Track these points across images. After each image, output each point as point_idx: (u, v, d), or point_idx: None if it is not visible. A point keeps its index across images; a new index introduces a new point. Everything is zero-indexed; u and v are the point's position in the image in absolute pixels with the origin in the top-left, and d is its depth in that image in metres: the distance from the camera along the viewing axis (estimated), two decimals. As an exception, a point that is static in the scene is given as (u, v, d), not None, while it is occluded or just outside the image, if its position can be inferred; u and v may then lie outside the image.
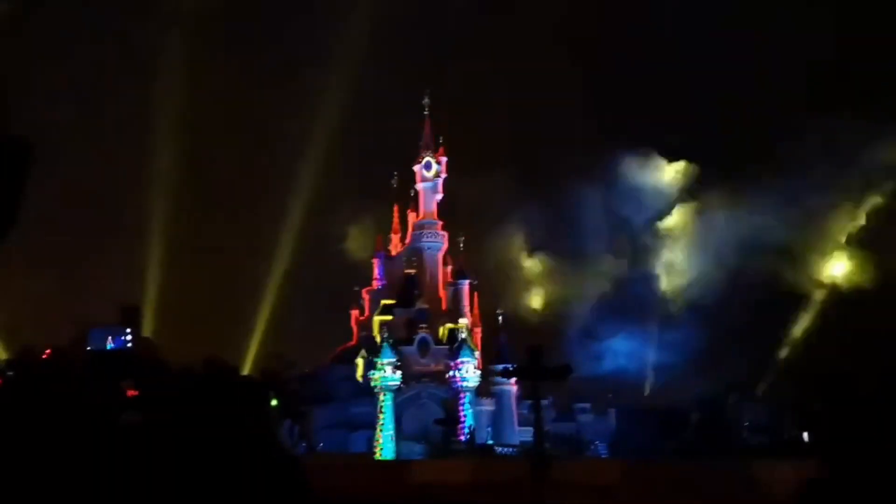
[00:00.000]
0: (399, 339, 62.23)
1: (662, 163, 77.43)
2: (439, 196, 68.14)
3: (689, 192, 76.12)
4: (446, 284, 67.48)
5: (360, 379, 64.61)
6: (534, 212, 74.38)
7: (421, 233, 66.45)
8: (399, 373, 59.41)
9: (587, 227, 76.02)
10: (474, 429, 57.87)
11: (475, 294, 68.92)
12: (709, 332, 69.08)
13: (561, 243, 75.92)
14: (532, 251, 75.43)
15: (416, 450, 52.60)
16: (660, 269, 76.02)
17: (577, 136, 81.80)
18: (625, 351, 70.83)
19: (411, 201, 69.74)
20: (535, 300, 73.43)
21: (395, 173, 72.69)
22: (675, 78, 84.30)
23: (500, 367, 53.97)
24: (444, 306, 66.23)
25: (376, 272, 70.91)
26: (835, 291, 68.48)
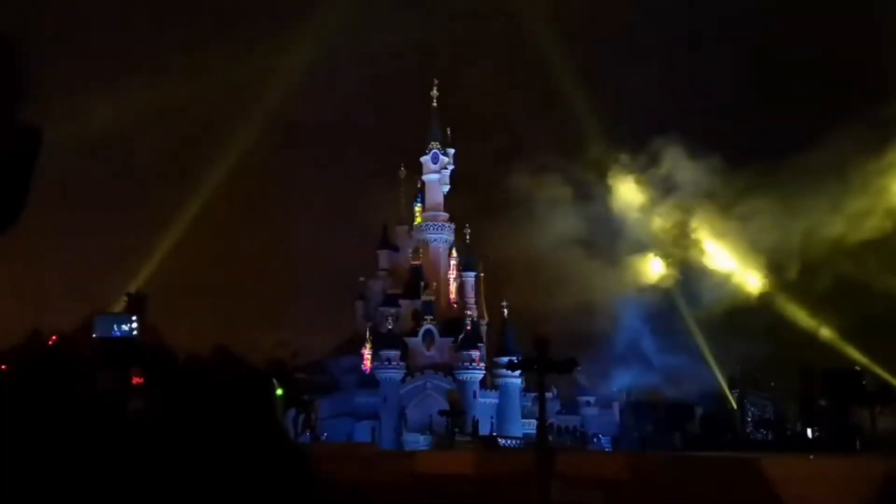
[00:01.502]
0: (404, 330, 62.36)
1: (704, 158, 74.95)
2: (446, 188, 68.08)
3: (728, 190, 73.84)
4: (452, 276, 67.50)
5: (365, 369, 64.84)
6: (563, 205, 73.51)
7: (427, 224, 66.39)
8: (404, 364, 59.61)
9: (619, 224, 75.16)
10: (478, 420, 58.03)
11: (482, 286, 69.03)
12: (720, 330, 68.69)
13: (593, 240, 74.73)
14: (557, 245, 74.24)
15: (420, 440, 52.72)
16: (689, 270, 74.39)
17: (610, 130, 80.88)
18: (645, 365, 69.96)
19: (418, 193, 69.68)
20: (561, 297, 72.37)
21: (403, 165, 72.85)
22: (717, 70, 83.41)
23: (505, 359, 53.92)
24: (450, 298, 66.24)
25: (382, 263, 70.97)
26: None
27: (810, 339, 66.69)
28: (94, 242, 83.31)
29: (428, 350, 61.20)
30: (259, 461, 2.77)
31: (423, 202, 68.11)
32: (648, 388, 68.82)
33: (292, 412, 38.49)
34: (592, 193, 74.87)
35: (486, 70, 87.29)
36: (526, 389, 62.09)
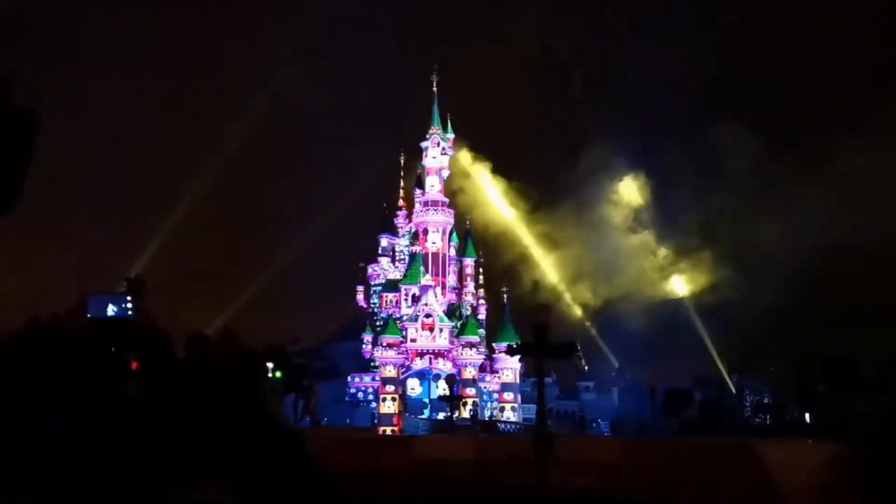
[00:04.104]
0: (404, 315, 62.45)
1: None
2: (446, 173, 67.90)
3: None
4: (452, 261, 67.58)
5: (364, 354, 65.06)
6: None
7: (427, 209, 66.30)
8: (403, 349, 59.72)
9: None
10: (478, 405, 58.28)
11: (481, 272, 69.17)
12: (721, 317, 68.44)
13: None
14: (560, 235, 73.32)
15: (419, 426, 52.90)
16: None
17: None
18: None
19: (418, 178, 69.54)
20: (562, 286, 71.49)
21: (403, 150, 72.72)
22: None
23: (505, 343, 54.09)
24: (449, 283, 66.36)
25: (382, 248, 70.99)
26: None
27: (810, 325, 66.77)
28: (96, 227, 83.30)
29: (427, 335, 61.21)
30: (253, 444, 2.76)
31: (423, 187, 67.98)
32: (648, 374, 68.86)
33: (292, 397, 38.58)
34: (598, 183, 74.17)
35: (487, 55, 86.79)
36: (525, 375, 62.35)
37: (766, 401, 76.23)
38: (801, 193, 64.73)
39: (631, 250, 73.18)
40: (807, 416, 61.54)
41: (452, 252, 67.96)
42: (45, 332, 3.76)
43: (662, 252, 73.49)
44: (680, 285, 71.53)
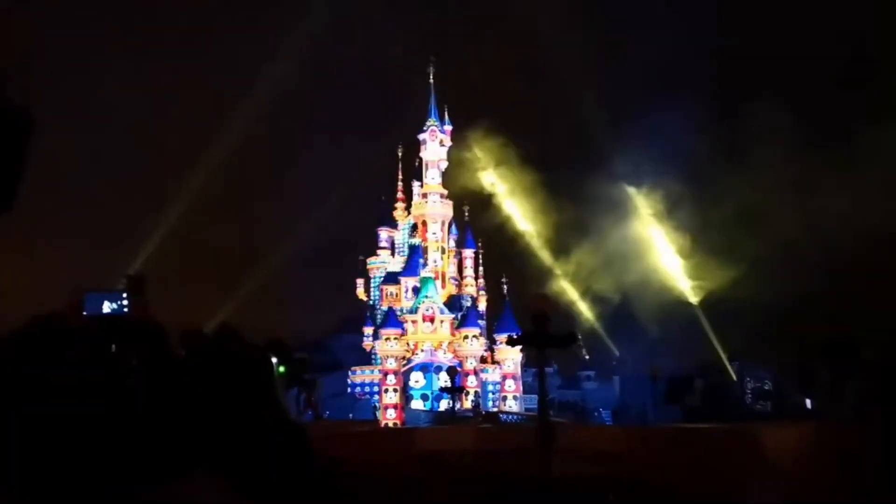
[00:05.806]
0: (404, 307, 62.52)
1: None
2: (444, 165, 67.82)
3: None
4: (451, 253, 67.56)
5: (365, 347, 65.16)
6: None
7: (426, 201, 66.27)
8: (404, 341, 59.83)
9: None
10: (479, 396, 58.47)
11: (480, 262, 69.15)
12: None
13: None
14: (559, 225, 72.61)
15: (421, 417, 53.06)
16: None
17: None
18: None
19: (416, 170, 69.45)
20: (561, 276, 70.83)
21: (401, 142, 72.55)
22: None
23: (505, 334, 54.15)
24: (449, 275, 66.37)
25: (382, 241, 70.96)
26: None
27: (810, 310, 66.65)
28: (96, 226, 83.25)
29: (428, 326, 61.32)
30: (252, 437, 2.76)
31: (421, 179, 67.91)
32: (649, 361, 68.93)
33: (294, 391, 38.65)
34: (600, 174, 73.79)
35: (484, 45, 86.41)
36: (526, 365, 62.49)
37: (766, 387, 76.49)
38: (824, 182, 63.76)
39: (642, 244, 72.75)
40: (807, 401, 61.69)
41: (452, 244, 67.96)
42: (45, 330, 3.78)
43: (680, 250, 73.01)
44: (694, 284, 71.01)
